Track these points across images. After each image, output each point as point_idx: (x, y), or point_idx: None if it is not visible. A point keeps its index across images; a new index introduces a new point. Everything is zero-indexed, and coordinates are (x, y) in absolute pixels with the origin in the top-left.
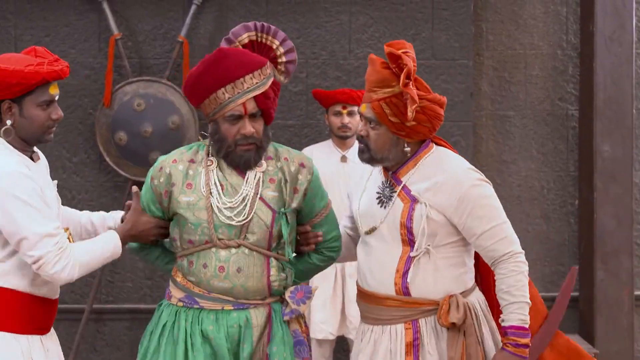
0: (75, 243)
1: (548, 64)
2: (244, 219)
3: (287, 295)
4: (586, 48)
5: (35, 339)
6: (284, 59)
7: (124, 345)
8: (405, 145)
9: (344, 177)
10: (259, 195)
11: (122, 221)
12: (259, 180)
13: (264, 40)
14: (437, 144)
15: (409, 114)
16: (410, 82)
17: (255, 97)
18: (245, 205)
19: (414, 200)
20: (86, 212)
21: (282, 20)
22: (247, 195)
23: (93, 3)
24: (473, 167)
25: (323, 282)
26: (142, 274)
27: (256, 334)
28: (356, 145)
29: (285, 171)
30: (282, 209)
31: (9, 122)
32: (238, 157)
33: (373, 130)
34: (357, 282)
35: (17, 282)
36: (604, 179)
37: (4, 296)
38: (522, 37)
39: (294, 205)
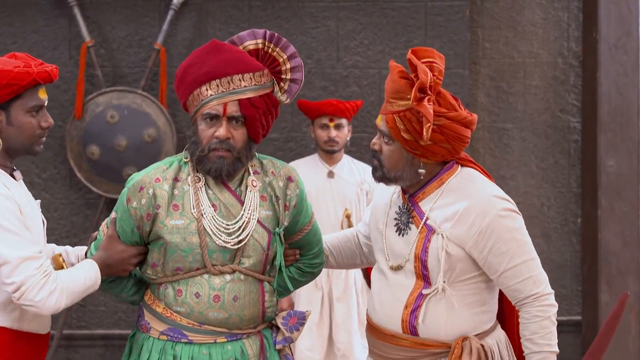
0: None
1: (548, 74)
2: (241, 242)
3: (279, 321)
4: (589, 56)
5: None
6: (288, 75)
7: None
8: (421, 165)
9: (331, 194)
10: (256, 217)
11: (85, 256)
12: (254, 199)
13: (270, 51)
14: (462, 164)
15: (424, 133)
16: (426, 98)
17: (239, 102)
18: (242, 226)
19: (431, 231)
20: (51, 245)
21: (265, 26)
22: (246, 218)
23: (63, 8)
24: (501, 194)
25: (309, 306)
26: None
27: None
28: (344, 160)
29: (274, 187)
30: (277, 229)
31: None
32: (210, 164)
33: (386, 146)
34: (367, 310)
35: (2, 318)
36: (608, 195)
37: None
38: (521, 44)
39: (286, 223)
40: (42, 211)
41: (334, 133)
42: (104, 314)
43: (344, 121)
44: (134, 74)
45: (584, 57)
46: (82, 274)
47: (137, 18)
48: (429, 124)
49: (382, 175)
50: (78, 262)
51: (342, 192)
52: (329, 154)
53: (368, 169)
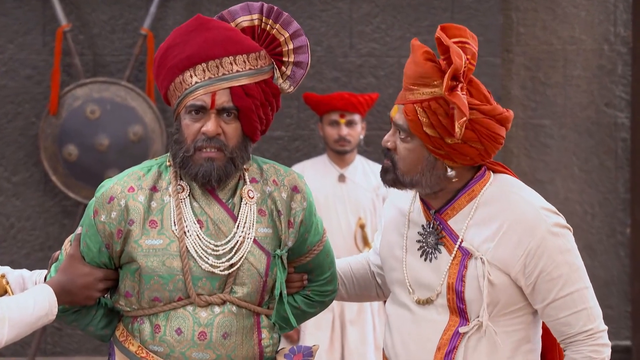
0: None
1: (592, 62)
2: (233, 267)
3: (281, 359)
4: (639, 42)
5: None
6: (291, 58)
7: None
8: (448, 170)
9: (342, 200)
10: (252, 235)
11: (45, 281)
12: (250, 213)
13: (268, 29)
14: (494, 170)
15: (456, 129)
16: (459, 86)
17: (231, 90)
18: (234, 247)
19: (467, 255)
20: (6, 268)
21: None
22: (240, 237)
23: None
24: (549, 206)
25: (317, 331)
26: None
27: None
28: (357, 161)
29: (276, 199)
30: (278, 251)
31: None
32: (196, 167)
33: (403, 143)
34: (383, 351)
35: None
36: None
37: None
38: (561, 29)
39: (290, 243)
40: (12, 220)
41: (345, 131)
42: (82, 339)
43: (356, 117)
44: (117, 62)
45: (634, 42)
46: (32, 300)
47: None
48: (464, 119)
49: (394, 179)
50: None
51: (355, 199)
52: (339, 154)
53: None
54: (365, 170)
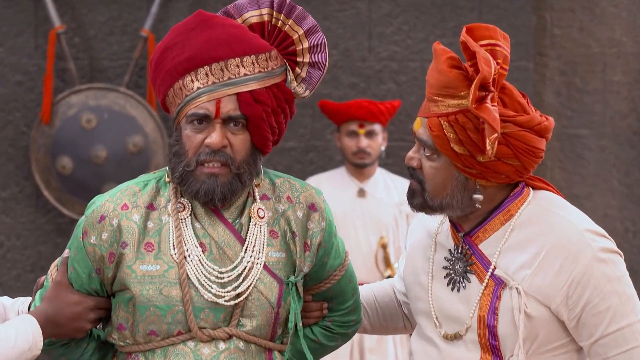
0: None
1: (634, 67)
2: (240, 296)
3: None
4: None
5: None
6: (306, 57)
7: None
8: (477, 190)
9: (362, 218)
10: (262, 260)
11: (29, 310)
12: (260, 236)
13: (279, 25)
14: (533, 186)
15: (488, 147)
16: (489, 97)
17: (238, 96)
18: (242, 274)
19: (500, 284)
20: None
21: None
22: (248, 262)
23: None
24: (596, 228)
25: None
26: None
27: None
28: (378, 174)
29: (290, 219)
30: (291, 277)
31: None
32: (197, 184)
33: (429, 161)
34: None
35: None
36: None
37: None
38: (599, 30)
39: (306, 268)
40: (1, 238)
41: (364, 142)
42: None
43: (377, 127)
44: (115, 67)
45: None
46: (13, 332)
47: None
48: (495, 135)
49: (422, 203)
50: None
51: (375, 216)
52: (359, 167)
53: None
54: (387, 185)
